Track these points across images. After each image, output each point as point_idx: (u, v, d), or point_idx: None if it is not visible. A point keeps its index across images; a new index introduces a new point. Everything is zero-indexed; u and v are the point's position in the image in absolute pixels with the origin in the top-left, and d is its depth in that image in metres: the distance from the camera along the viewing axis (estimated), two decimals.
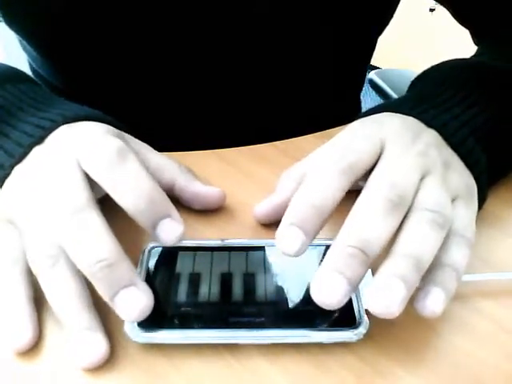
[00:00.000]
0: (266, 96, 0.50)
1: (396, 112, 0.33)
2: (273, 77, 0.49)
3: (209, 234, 0.33)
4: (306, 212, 0.26)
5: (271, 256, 0.30)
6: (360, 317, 0.26)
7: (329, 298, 0.24)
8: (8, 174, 0.30)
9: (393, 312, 0.23)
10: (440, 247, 0.26)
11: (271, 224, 0.34)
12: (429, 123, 0.32)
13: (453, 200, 0.29)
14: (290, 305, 0.27)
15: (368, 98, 1.96)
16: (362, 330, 0.26)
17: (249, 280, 0.29)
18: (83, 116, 0.32)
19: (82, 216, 0.26)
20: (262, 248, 0.31)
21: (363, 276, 0.24)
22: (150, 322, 0.25)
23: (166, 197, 0.28)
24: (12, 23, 0.45)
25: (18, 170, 0.30)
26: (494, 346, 0.27)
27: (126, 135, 0.34)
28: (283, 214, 0.30)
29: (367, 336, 0.26)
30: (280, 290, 0.28)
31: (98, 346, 0.25)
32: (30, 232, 0.27)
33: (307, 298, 0.27)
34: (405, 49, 2.22)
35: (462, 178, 0.31)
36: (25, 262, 0.27)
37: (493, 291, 0.30)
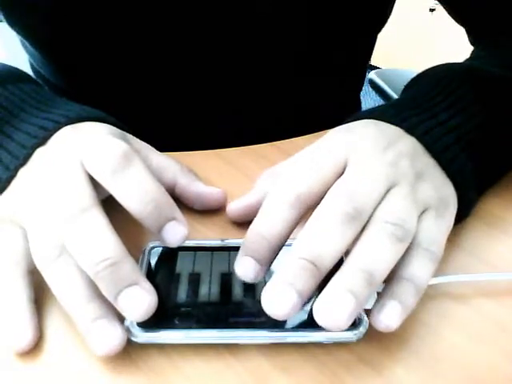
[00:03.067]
0: (267, 95, 0.50)
1: (378, 119, 0.33)
2: (273, 76, 0.49)
3: (209, 234, 0.33)
4: (258, 244, 0.26)
5: None
6: (360, 317, 0.26)
7: (278, 309, 0.24)
8: (13, 176, 0.30)
9: (339, 325, 0.23)
10: (401, 260, 0.26)
11: None
12: (410, 131, 0.31)
13: (422, 212, 0.28)
14: None
15: (368, 98, 1.96)
16: (362, 329, 0.26)
17: None
18: (86, 116, 0.32)
19: (86, 216, 0.26)
20: None
21: (314, 288, 0.24)
22: (150, 322, 0.25)
23: (171, 199, 0.28)
24: (14, 24, 0.46)
25: (22, 171, 0.30)
26: (493, 346, 0.27)
27: (128, 135, 0.34)
28: (254, 214, 0.30)
29: (367, 336, 0.26)
30: None
31: (115, 332, 0.25)
32: (34, 231, 0.27)
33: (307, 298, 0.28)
34: (405, 49, 2.22)
35: (435, 190, 0.29)
36: (27, 263, 0.27)
37: (493, 291, 0.30)
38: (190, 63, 0.46)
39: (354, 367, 0.25)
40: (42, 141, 0.30)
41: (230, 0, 0.43)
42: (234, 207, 0.33)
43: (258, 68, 0.48)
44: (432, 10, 2.12)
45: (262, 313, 0.24)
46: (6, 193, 0.30)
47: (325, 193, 0.27)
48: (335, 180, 0.28)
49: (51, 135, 0.31)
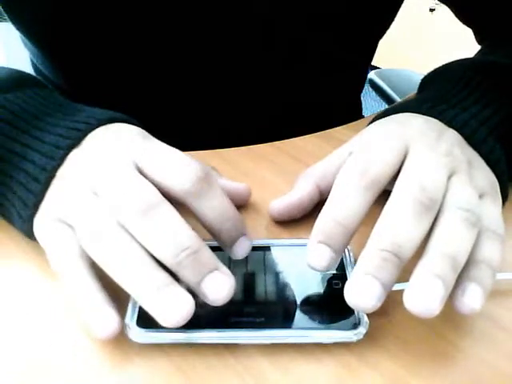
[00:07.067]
0: (267, 96, 0.50)
1: (416, 112, 0.34)
2: (273, 77, 0.49)
3: (209, 234, 0.33)
4: (333, 229, 0.26)
5: (271, 256, 0.30)
6: (360, 317, 0.26)
7: (364, 301, 0.24)
8: (52, 177, 0.29)
9: (433, 312, 0.23)
10: (474, 244, 0.26)
11: (271, 224, 0.34)
12: (449, 123, 0.33)
13: (480, 197, 0.29)
14: (291, 305, 0.27)
15: (368, 98, 1.96)
16: (362, 329, 0.26)
17: (249, 280, 0.29)
18: (118, 118, 0.32)
19: (159, 210, 0.26)
20: (262, 248, 0.31)
21: (396, 279, 0.25)
22: (150, 322, 0.25)
23: (241, 215, 0.29)
24: (14, 20, 0.45)
25: (61, 172, 0.29)
26: (493, 346, 0.27)
27: (151, 136, 0.33)
28: (296, 213, 0.30)
29: (367, 336, 0.26)
30: (280, 290, 0.28)
31: (186, 297, 0.25)
32: (85, 226, 0.27)
33: (307, 298, 0.28)
34: (405, 49, 2.22)
35: (487, 176, 0.31)
36: (87, 256, 0.27)
37: (493, 291, 0.30)
38: (190, 63, 0.46)
39: (354, 367, 0.25)
40: (77, 141, 0.30)
41: (228, 1, 0.43)
42: (276, 206, 0.34)
43: (258, 68, 0.48)
44: (432, 10, 2.12)
45: (262, 313, 0.24)
46: (50, 193, 0.29)
47: (392, 178, 0.28)
48: (400, 166, 0.28)
49: (85, 136, 0.31)
